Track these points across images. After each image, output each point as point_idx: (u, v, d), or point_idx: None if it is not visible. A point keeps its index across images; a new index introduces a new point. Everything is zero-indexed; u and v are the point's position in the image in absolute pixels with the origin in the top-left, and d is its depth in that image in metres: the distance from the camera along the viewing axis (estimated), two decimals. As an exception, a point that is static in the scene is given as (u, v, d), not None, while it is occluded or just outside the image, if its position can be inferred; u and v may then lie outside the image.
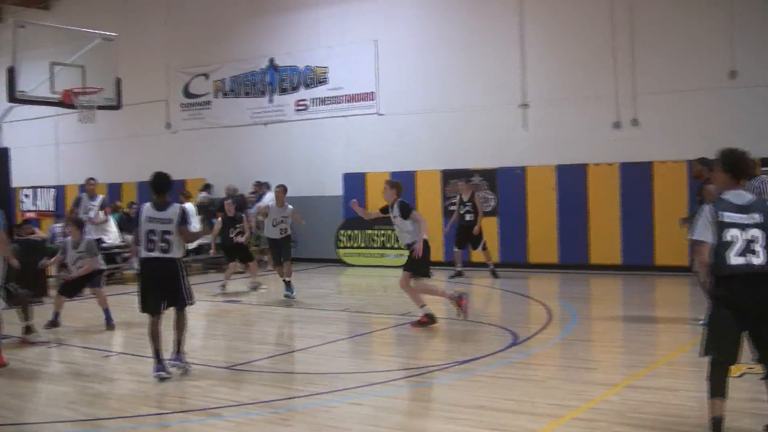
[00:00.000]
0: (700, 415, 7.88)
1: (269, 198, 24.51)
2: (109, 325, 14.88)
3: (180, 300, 11.04)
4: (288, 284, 17.89)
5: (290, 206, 18.51)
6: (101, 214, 20.17)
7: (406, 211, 13.86)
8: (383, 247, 23.76)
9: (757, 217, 7.24)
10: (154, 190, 11.04)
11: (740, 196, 7.40)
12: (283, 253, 18.26)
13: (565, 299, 17.15)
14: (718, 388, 7.33)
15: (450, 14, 23.77)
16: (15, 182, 21.15)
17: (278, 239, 18.26)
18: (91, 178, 20.66)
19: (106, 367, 11.48)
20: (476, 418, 8.54)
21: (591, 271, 21.08)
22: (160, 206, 10.92)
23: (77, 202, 20.40)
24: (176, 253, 10.92)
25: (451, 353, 12.01)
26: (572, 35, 21.85)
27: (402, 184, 14.46)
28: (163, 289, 10.97)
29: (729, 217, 7.26)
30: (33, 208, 29.82)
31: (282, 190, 18.52)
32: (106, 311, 15.01)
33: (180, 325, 11.21)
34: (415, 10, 24.36)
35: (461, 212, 20.42)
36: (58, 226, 20.57)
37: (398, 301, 15.81)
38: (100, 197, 20.49)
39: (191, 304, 11.16)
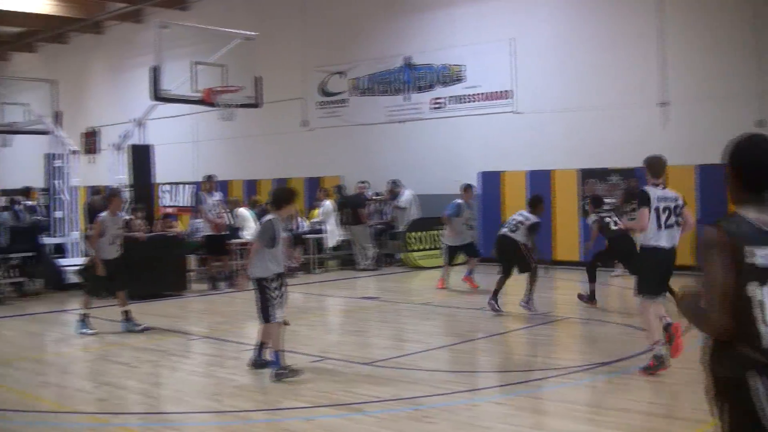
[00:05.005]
0: None
1: (407, 197, 24.60)
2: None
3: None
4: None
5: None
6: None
7: None
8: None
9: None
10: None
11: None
12: None
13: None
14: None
15: (588, 11, 23.49)
16: (155, 178, 21.64)
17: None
18: (212, 175, 21.05)
19: (248, 360, 11.60)
20: (619, 420, 8.43)
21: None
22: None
23: (201, 200, 20.74)
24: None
25: (593, 354, 11.82)
26: (714, 31, 21.34)
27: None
28: None
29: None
30: (172, 204, 30.48)
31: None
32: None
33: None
34: (553, 8, 24.14)
35: None
36: (199, 221, 20.98)
37: (536, 301, 15.63)
38: (219, 194, 20.94)
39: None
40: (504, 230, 15.50)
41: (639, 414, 8.64)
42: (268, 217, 10.95)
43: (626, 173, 21.89)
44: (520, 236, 15.29)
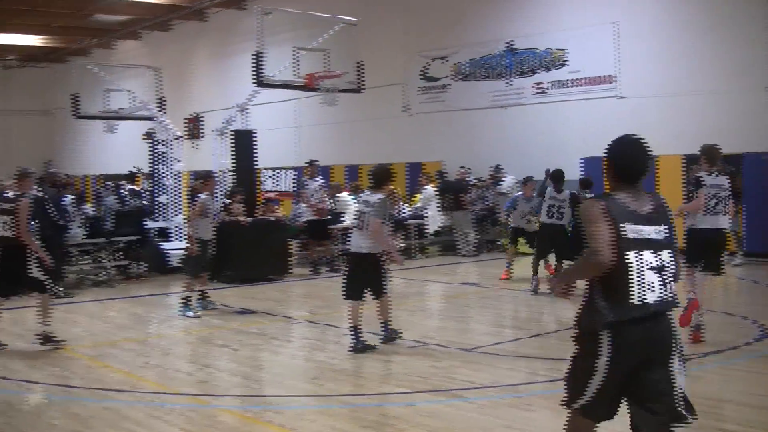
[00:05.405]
0: None
1: (509, 182, 24.40)
2: None
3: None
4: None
5: None
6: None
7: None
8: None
9: None
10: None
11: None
12: None
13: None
14: None
15: (694, -6, 23.03)
16: (258, 163, 21.75)
17: None
18: (313, 160, 21.17)
19: (348, 345, 11.58)
20: (722, 412, 8.24)
21: None
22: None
23: (303, 185, 20.84)
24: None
25: (696, 344, 11.56)
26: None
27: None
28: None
29: None
30: (274, 189, 30.67)
31: None
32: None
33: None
34: (658, -9, 23.73)
35: None
36: (302, 206, 21.09)
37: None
38: (320, 179, 21.04)
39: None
40: (551, 219, 16.03)
41: (752, 408, 8.40)
42: (379, 196, 11.26)
43: (732, 159, 21.36)
44: (566, 220, 15.92)
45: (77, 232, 18.21)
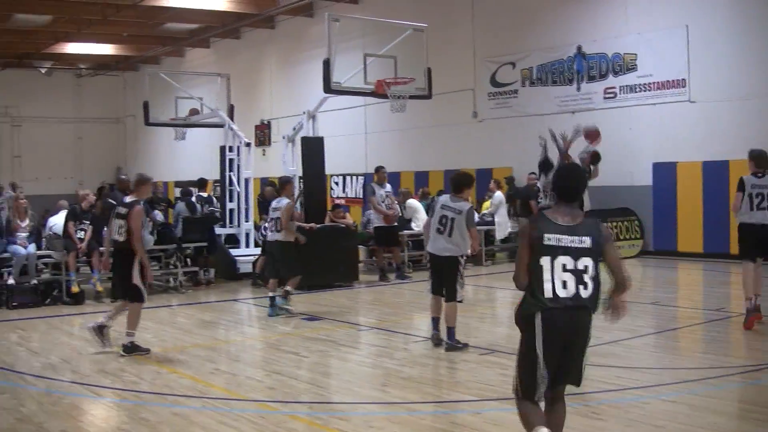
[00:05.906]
0: None
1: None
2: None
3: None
4: None
5: None
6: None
7: None
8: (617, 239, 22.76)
9: None
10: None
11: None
12: None
13: None
14: None
15: (767, -4, 22.65)
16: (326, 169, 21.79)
17: None
18: (382, 167, 21.16)
19: (416, 352, 11.56)
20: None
21: None
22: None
23: (371, 191, 20.88)
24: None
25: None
26: None
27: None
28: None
29: None
30: (342, 195, 30.65)
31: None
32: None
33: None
34: (730, -6, 23.38)
35: None
36: (371, 212, 21.10)
37: (709, 296, 15.17)
38: (389, 186, 21.00)
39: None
40: None
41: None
42: (467, 204, 11.80)
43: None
44: None
45: (148, 238, 18.36)
